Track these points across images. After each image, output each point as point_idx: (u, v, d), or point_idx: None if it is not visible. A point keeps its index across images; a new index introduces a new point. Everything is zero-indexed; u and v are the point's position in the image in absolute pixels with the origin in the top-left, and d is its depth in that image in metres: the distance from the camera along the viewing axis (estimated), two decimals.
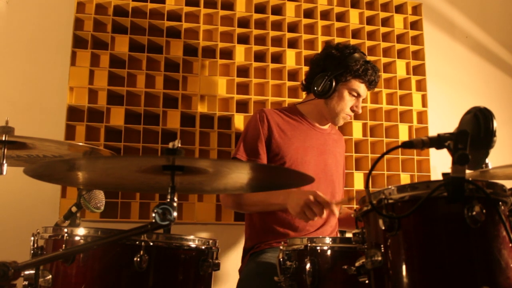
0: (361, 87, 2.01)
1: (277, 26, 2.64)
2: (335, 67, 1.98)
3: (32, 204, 2.25)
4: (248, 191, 1.93)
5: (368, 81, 2.00)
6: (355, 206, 2.24)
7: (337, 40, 2.63)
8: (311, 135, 2.08)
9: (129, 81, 2.41)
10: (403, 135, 2.68)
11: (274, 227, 1.95)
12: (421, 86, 2.78)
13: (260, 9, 2.65)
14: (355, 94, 2.01)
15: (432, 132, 2.71)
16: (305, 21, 2.67)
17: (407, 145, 1.02)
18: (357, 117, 2.67)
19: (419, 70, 2.79)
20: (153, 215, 0.99)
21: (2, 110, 2.30)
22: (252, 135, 2.00)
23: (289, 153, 1.99)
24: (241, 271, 1.99)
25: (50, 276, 1.22)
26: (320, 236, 1.38)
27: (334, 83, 1.97)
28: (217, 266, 1.34)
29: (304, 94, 2.27)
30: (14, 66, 2.38)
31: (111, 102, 2.38)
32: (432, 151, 2.59)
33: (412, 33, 2.81)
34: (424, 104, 2.76)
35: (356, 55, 2.00)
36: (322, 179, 2.02)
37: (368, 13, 2.77)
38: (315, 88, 1.99)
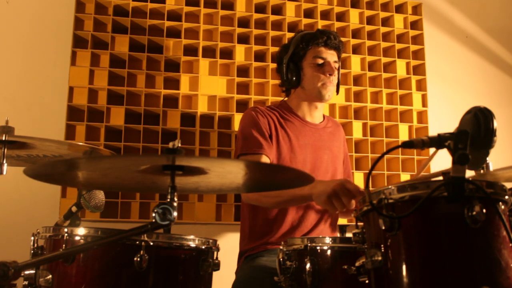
0: (320, 51, 1.97)
1: (277, 26, 2.64)
2: (288, 52, 2.00)
3: (32, 204, 2.25)
4: (247, 190, 1.91)
5: (324, 43, 1.96)
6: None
7: None
8: (304, 133, 2.02)
9: (129, 81, 2.41)
10: (403, 135, 2.68)
11: (264, 237, 1.90)
12: (421, 86, 2.78)
13: (260, 9, 2.65)
14: (320, 61, 1.96)
15: (432, 132, 2.71)
16: (305, 21, 2.67)
17: (407, 145, 1.02)
18: (357, 117, 2.67)
19: (419, 70, 2.79)
20: (153, 215, 0.99)
21: (2, 110, 2.30)
22: (251, 126, 1.95)
23: (283, 153, 1.94)
24: (236, 273, 1.95)
25: (50, 276, 1.21)
26: (320, 236, 1.38)
27: (296, 65, 1.98)
28: (217, 266, 1.33)
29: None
30: (14, 65, 2.38)
31: (111, 102, 2.39)
32: (432, 151, 2.59)
33: (412, 33, 2.81)
34: (424, 104, 2.76)
35: (301, 33, 2.02)
36: (318, 177, 1.95)
37: (368, 13, 2.77)
38: (284, 80, 2.00)
